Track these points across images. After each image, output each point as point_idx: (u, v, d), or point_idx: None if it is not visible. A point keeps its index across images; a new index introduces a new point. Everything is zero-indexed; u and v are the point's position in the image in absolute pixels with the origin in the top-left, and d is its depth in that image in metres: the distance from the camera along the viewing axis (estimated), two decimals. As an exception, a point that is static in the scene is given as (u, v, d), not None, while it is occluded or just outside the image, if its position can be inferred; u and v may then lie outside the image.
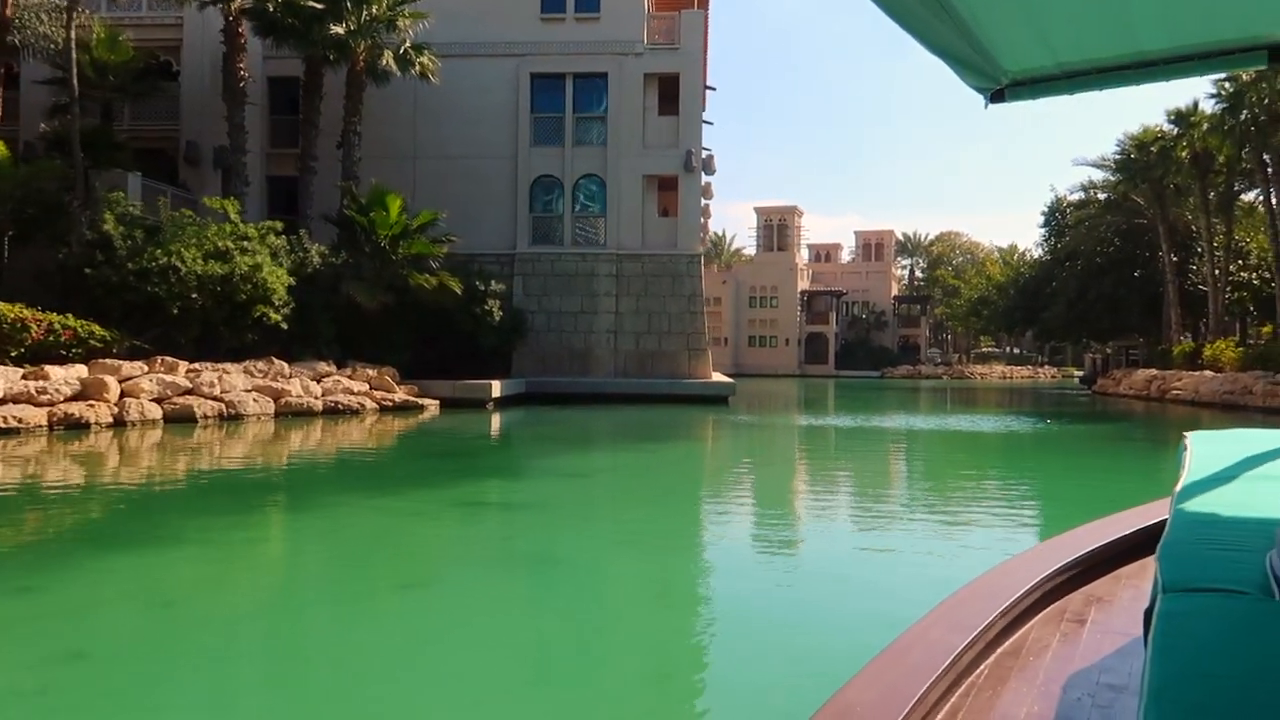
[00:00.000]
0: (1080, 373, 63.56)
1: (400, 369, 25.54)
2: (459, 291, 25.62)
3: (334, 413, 21.61)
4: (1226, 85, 33.92)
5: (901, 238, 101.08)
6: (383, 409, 23.10)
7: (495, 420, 23.28)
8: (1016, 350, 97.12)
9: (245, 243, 21.47)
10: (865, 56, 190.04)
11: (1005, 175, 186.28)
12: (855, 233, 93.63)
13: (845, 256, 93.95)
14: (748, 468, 15.91)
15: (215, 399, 19.28)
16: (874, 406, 33.43)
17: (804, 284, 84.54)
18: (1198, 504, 2.06)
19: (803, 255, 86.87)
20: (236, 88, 25.62)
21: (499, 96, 31.89)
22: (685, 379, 30.89)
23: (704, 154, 37.98)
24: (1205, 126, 36.55)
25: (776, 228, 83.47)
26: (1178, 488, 2.33)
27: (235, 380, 20.11)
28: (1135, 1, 2.07)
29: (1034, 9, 2.08)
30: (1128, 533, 3.13)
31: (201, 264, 20.25)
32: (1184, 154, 38.68)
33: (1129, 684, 2.03)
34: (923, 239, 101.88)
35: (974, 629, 2.15)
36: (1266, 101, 32.55)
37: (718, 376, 35.67)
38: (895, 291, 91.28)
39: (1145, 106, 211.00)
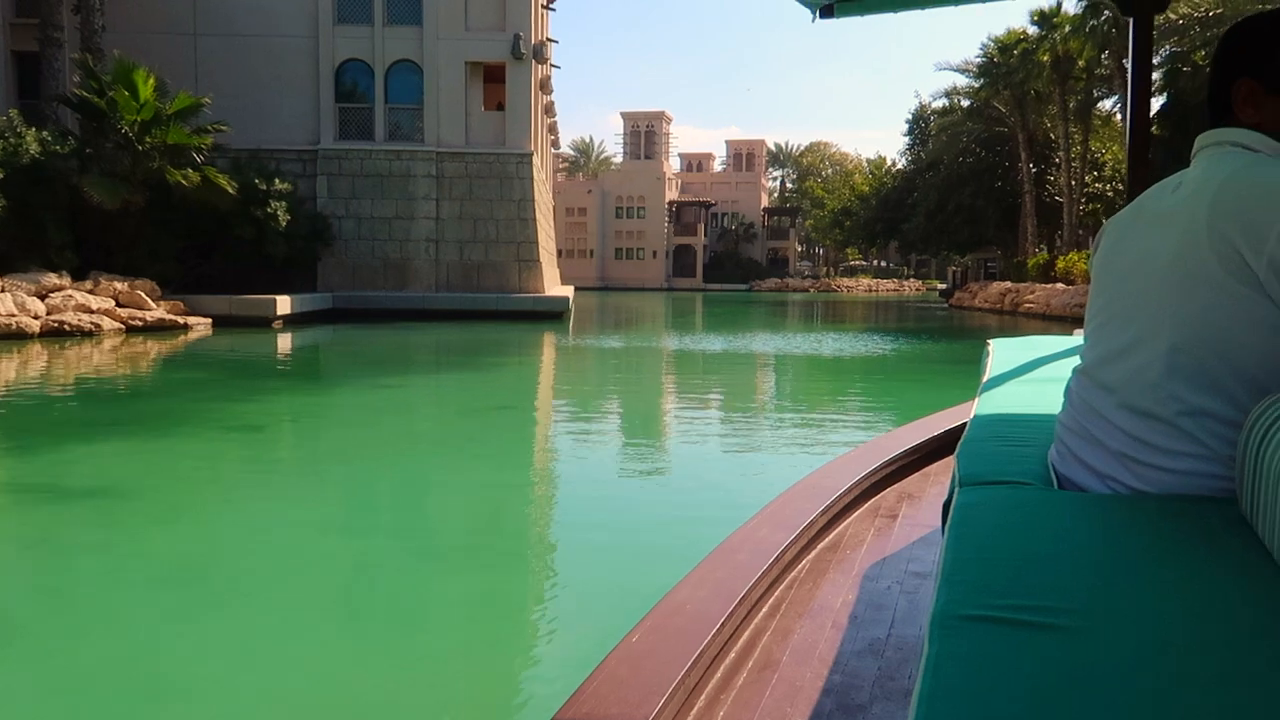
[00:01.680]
0: (943, 285, 63.55)
1: (166, 282, 21.71)
2: (232, 191, 21.73)
3: (59, 334, 17.82)
4: (1091, -17, 32.32)
5: (773, 148, 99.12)
6: (131, 329, 19.37)
7: (280, 341, 19.89)
8: (883, 264, 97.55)
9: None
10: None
11: (883, 89, 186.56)
12: (726, 142, 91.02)
13: (718, 167, 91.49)
14: (515, 407, 13.28)
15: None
16: (725, 324, 31.29)
17: (673, 194, 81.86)
18: (993, 405, 2.14)
19: (673, 165, 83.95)
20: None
21: (295, -37, 27.35)
22: (515, 294, 27.91)
23: (548, 43, 34.35)
24: (1067, 28, 35.06)
25: (644, 134, 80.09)
26: (979, 391, 2.45)
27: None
28: None
29: None
30: (937, 434, 3.38)
31: None
32: (1045, 57, 37.22)
33: (932, 571, 2.18)
34: (794, 150, 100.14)
35: (797, 527, 2.30)
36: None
37: (556, 290, 32.83)
38: (765, 203, 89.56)
39: (1019, 10, 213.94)
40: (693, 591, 1.85)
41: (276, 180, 23.50)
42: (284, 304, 22.42)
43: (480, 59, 28.22)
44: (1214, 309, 1.22)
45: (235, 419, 10.07)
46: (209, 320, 21.21)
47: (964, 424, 2.06)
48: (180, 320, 20.36)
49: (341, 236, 27.39)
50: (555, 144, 47.66)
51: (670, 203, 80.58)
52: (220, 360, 16.44)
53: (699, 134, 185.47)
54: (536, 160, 29.42)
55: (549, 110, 38.10)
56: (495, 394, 13.01)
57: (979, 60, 42.57)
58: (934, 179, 47.75)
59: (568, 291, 36.89)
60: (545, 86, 33.12)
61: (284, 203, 23.17)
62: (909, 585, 2.17)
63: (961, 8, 2.49)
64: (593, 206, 78.75)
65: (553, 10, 44.40)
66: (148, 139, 20.42)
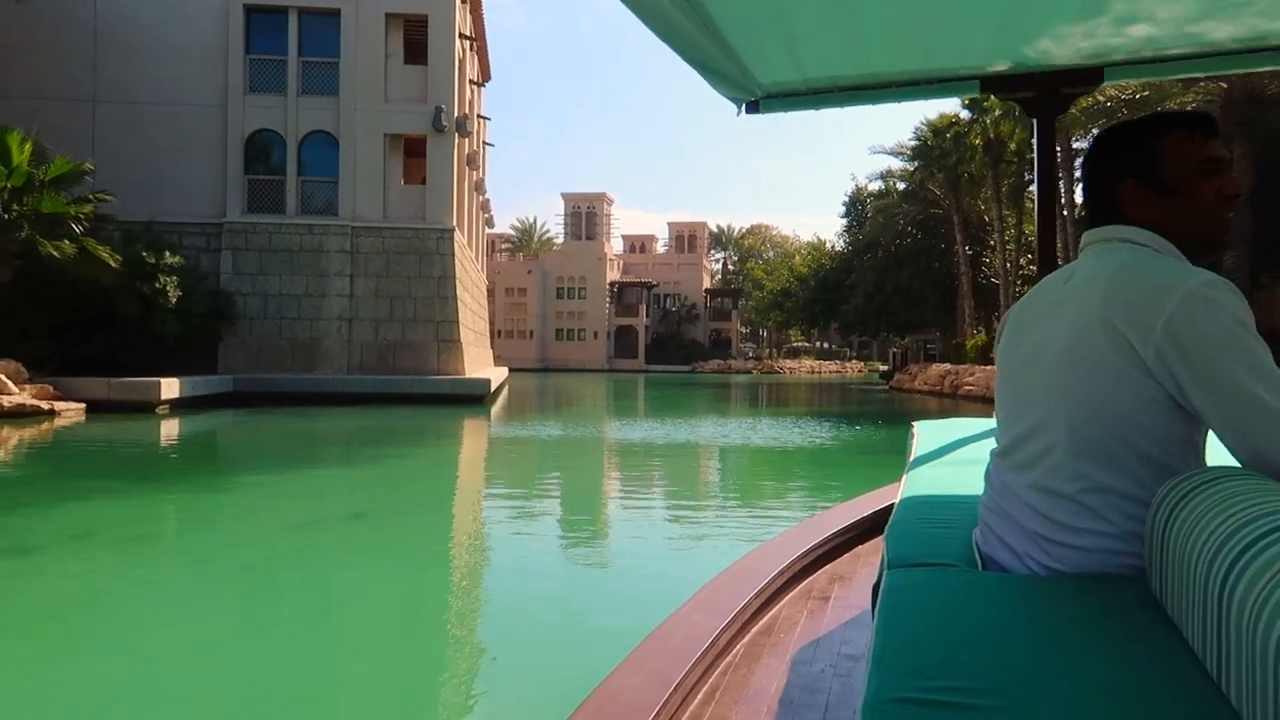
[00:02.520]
0: (885, 367, 63.21)
1: (40, 363, 19.71)
2: (114, 264, 19.96)
3: (-108, 423, 15.72)
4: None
5: (715, 229, 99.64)
6: (-16, 416, 17.30)
7: (162, 429, 17.97)
8: (826, 345, 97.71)
9: None
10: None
11: (824, 174, 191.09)
12: (668, 224, 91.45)
13: (661, 249, 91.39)
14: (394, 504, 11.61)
15: None
16: (661, 408, 29.92)
17: (614, 275, 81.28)
18: (919, 487, 2.16)
19: (614, 246, 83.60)
20: None
21: (205, 31, 26.14)
22: (433, 375, 26.26)
23: (480, 119, 33.56)
24: (998, 112, 35.25)
25: (585, 215, 79.75)
26: (905, 473, 2.46)
27: None
28: (869, 30, 2.27)
29: (785, 30, 2.21)
30: (867, 514, 3.43)
31: None
32: (977, 141, 37.40)
33: (864, 653, 2.19)
34: (735, 233, 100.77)
35: (730, 611, 2.31)
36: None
37: (484, 371, 31.26)
38: (708, 284, 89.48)
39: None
40: (627, 679, 1.85)
41: (168, 253, 21.77)
42: (170, 387, 20.51)
43: (400, 131, 27.09)
44: (1109, 392, 1.29)
45: (35, 528, 8.26)
46: (82, 405, 19.20)
47: (892, 505, 2.06)
48: (46, 406, 18.32)
49: (246, 315, 25.63)
50: (489, 222, 46.60)
51: (612, 283, 79.92)
52: (73, 452, 14.50)
53: (645, 217, 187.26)
54: (460, 236, 28.13)
55: (478, 187, 37.06)
56: (377, 494, 11.33)
57: (913, 143, 42.80)
58: (871, 261, 47.59)
59: (499, 373, 35.33)
60: (473, 162, 32.08)
61: (174, 277, 21.43)
62: (842, 668, 2.19)
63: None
64: (533, 287, 77.70)
65: (482, 85, 43.89)
66: (16, 207, 18.66)
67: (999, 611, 1.17)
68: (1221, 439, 1.23)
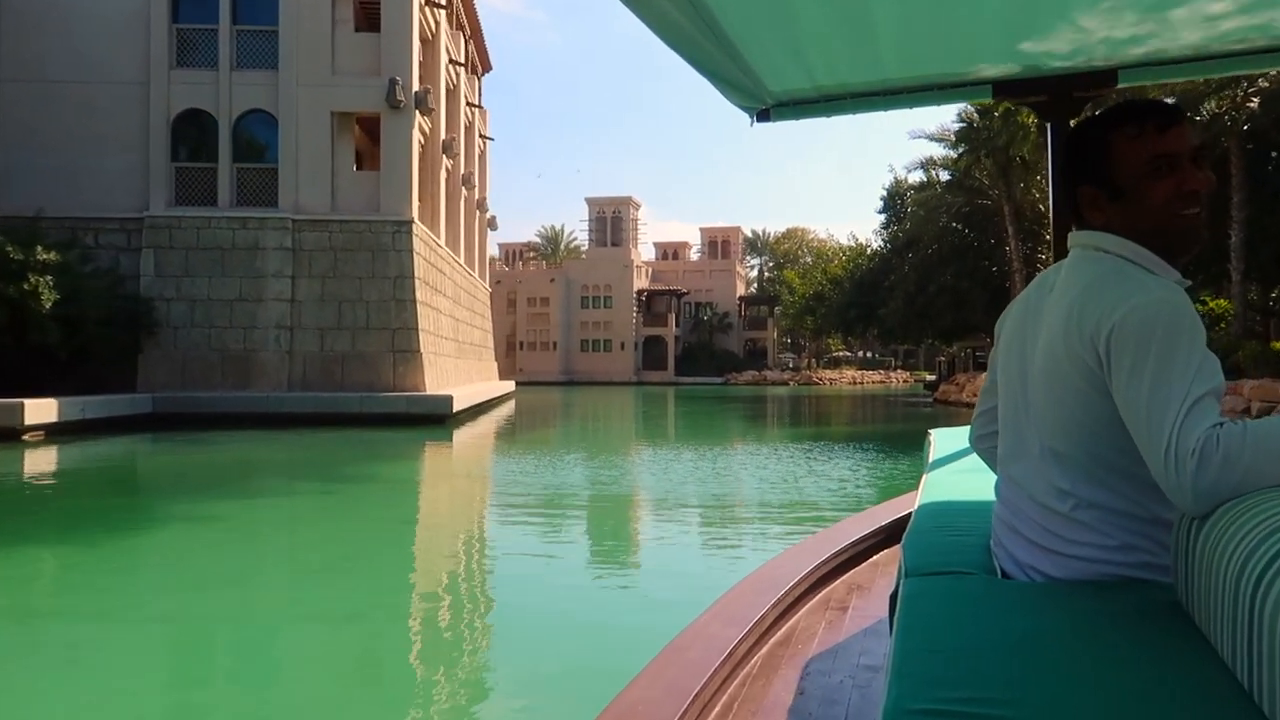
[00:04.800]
0: (932, 377, 58.22)
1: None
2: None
3: None
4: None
5: (750, 234, 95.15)
6: None
7: (24, 462, 14.41)
8: (868, 354, 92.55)
9: None
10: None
11: (867, 178, 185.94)
12: (700, 229, 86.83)
13: (695, 256, 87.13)
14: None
15: None
16: (679, 432, 25.78)
17: (642, 283, 77.25)
18: (935, 495, 2.15)
19: (641, 252, 79.57)
20: None
21: (124, 0, 22.72)
22: (386, 392, 22.40)
23: (474, 106, 29.95)
24: (1054, 83, 30.57)
25: (611, 220, 75.89)
26: (922, 481, 2.45)
27: None
28: (880, 36, 2.22)
29: (795, 36, 2.18)
30: (885, 523, 3.42)
31: None
32: (1030, 118, 32.66)
33: (883, 663, 2.14)
34: (771, 237, 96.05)
35: (748, 622, 2.30)
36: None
37: (473, 387, 27.35)
38: (742, 292, 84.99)
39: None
40: (644, 692, 1.83)
41: (39, 249, 18.14)
42: (41, 410, 16.88)
43: (350, 108, 23.38)
44: (1080, 415, 1.31)
45: None
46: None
47: (909, 513, 2.04)
48: None
49: (170, 323, 22.04)
50: (491, 223, 42.87)
51: (639, 291, 75.88)
52: None
53: (684, 229, 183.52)
54: (422, 230, 24.28)
55: (467, 181, 33.29)
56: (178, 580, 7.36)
57: (957, 126, 38.12)
58: (912, 259, 42.87)
59: (494, 387, 31.17)
60: (450, 149, 28.28)
61: (48, 277, 17.77)
62: (861, 679, 2.16)
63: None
64: (556, 296, 73.96)
65: (478, 76, 40.24)
66: None
67: (1019, 619, 1.17)
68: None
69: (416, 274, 23.31)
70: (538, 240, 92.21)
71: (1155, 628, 1.09)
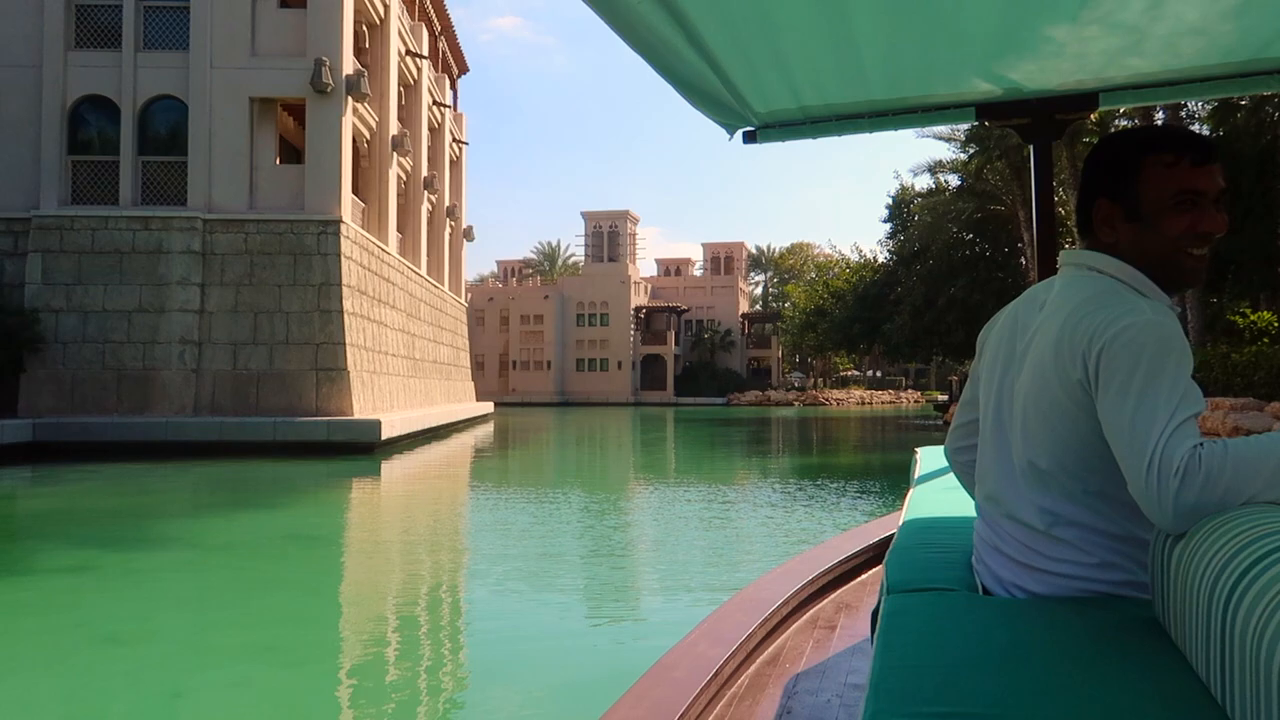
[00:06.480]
0: (943, 397, 54.88)
1: None
2: None
3: None
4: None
5: (754, 250, 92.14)
6: None
7: None
8: (877, 373, 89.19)
9: None
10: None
11: (874, 196, 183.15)
12: (703, 245, 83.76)
13: (698, 273, 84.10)
14: None
15: None
16: (660, 464, 22.84)
17: (640, 299, 74.32)
18: (920, 511, 2.13)
19: (640, 268, 76.66)
20: None
21: (16, -30, 20.05)
22: (307, 417, 19.47)
23: (441, 105, 27.29)
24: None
25: (607, 235, 73.06)
26: (907, 497, 2.42)
27: None
28: (865, 58, 2.20)
29: (780, 58, 2.16)
30: (872, 542, 3.42)
31: None
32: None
33: None
34: (775, 253, 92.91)
35: (735, 641, 2.29)
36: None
37: (440, 409, 24.41)
38: (745, 309, 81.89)
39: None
40: (630, 711, 1.82)
41: None
42: None
43: (271, 94, 20.58)
44: (1066, 435, 1.30)
45: None
46: None
47: (895, 532, 2.02)
48: None
49: (58, 338, 19.21)
50: (468, 234, 40.08)
51: (637, 308, 72.94)
52: None
53: (690, 249, 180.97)
54: (353, 230, 21.40)
55: (429, 186, 30.47)
56: None
57: (967, 125, 35.18)
58: (920, 271, 39.79)
59: (466, 409, 27.64)
60: (400, 146, 25.48)
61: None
62: (849, 698, 2.17)
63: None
64: (550, 314, 71.10)
65: (452, 79, 37.66)
66: None
67: (998, 635, 1.16)
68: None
69: (346, 281, 20.42)
70: (534, 256, 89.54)
71: (1132, 643, 1.10)
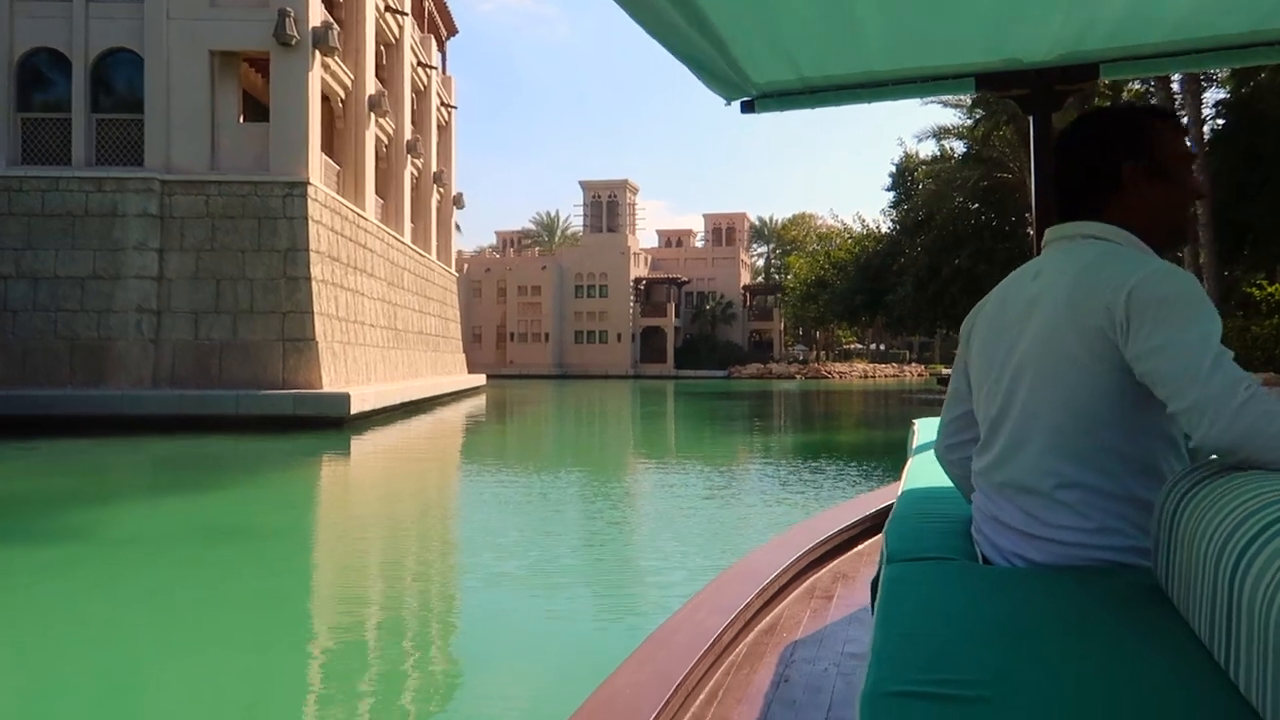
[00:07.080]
0: (946, 370, 53.70)
1: None
2: None
3: None
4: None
5: (756, 221, 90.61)
6: None
7: None
8: (881, 346, 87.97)
9: None
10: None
11: (881, 167, 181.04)
12: (704, 216, 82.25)
13: (699, 244, 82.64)
14: None
15: None
16: (656, 439, 21.85)
17: (640, 271, 73.04)
18: (918, 482, 2.13)
19: (640, 239, 75.29)
20: None
21: (-40, -87, 18.79)
22: (271, 390, 18.44)
23: (426, 66, 26.02)
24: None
25: (606, 205, 71.61)
26: (906, 468, 2.44)
27: None
28: (865, 29, 2.20)
29: (779, 28, 2.16)
30: (869, 513, 3.45)
31: None
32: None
33: (868, 651, 2.06)
34: (777, 223, 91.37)
35: (733, 610, 2.30)
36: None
37: (428, 380, 23.38)
38: (747, 281, 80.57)
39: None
40: (631, 676, 1.84)
41: None
42: None
43: (233, 46, 19.37)
44: (1080, 389, 1.29)
45: None
46: None
47: (893, 502, 2.03)
48: None
49: (7, 306, 18.17)
50: (458, 201, 38.86)
51: (637, 280, 71.67)
52: None
53: (694, 220, 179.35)
54: (322, 193, 20.23)
55: (412, 149, 29.24)
56: None
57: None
58: (923, 241, 38.51)
59: (451, 381, 26.46)
60: (378, 106, 24.25)
61: None
62: (846, 667, 2.15)
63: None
64: (548, 285, 69.88)
65: (440, 39, 36.26)
66: None
67: (998, 603, 1.17)
68: (1168, 404, 1.19)
69: (314, 246, 19.30)
70: (533, 227, 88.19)
71: (1134, 610, 1.10)
